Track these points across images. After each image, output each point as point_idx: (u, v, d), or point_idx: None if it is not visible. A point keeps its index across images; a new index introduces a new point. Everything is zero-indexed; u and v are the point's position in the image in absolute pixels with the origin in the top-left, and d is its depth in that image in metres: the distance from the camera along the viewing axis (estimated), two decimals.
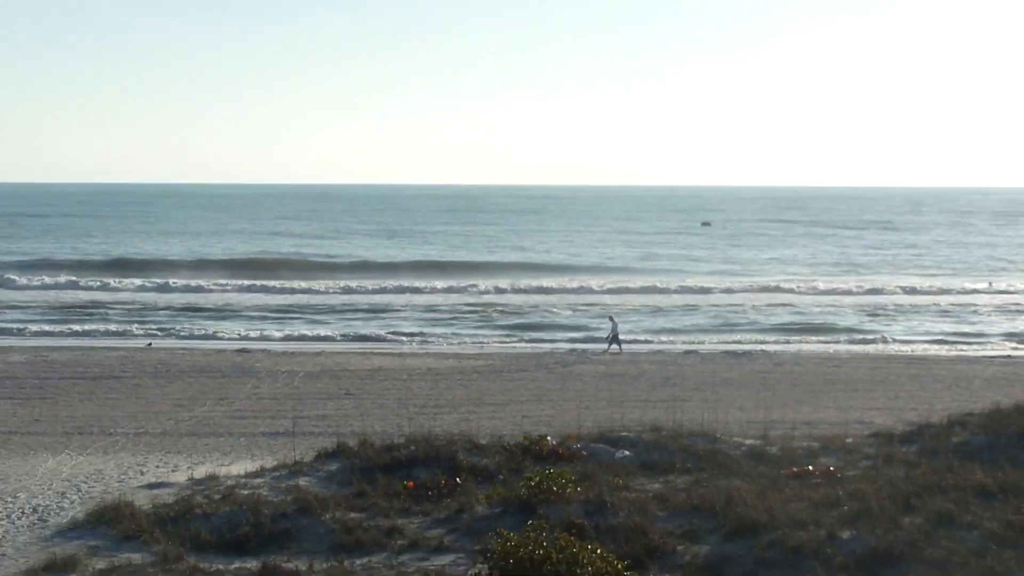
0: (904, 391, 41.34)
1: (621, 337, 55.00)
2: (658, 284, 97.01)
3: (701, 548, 20.01)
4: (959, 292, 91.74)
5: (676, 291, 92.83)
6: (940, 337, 65.21)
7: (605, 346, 56.42)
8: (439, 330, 66.30)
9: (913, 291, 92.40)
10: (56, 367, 47.58)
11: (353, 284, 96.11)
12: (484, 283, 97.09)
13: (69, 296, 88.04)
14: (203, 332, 67.77)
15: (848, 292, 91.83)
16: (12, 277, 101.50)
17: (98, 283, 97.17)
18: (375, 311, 77.90)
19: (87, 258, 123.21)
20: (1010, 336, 65.55)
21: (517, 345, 60.09)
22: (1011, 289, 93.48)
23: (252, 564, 20.28)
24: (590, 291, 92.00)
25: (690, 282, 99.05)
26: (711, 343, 62.81)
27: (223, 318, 73.72)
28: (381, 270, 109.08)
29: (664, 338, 64.86)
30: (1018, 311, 78.42)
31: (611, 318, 60.06)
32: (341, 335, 65.03)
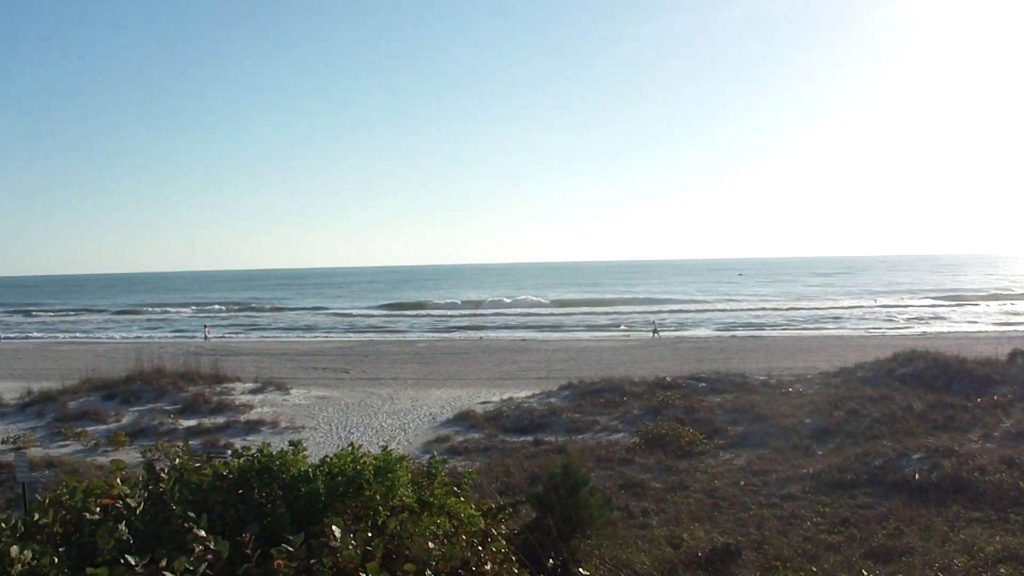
0: (833, 353, 44.42)
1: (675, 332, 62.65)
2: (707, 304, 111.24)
3: (739, 428, 24.54)
4: (860, 307, 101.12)
5: (716, 309, 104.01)
6: (849, 327, 75.58)
7: (656, 335, 66.08)
8: (609, 333, 74.92)
9: (847, 306, 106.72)
10: (438, 349, 57.36)
11: (559, 311, 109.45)
12: (625, 308, 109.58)
13: (430, 320, 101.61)
14: (505, 327, 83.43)
15: (814, 308, 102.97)
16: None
17: (415, 314, 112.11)
18: (573, 324, 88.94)
19: (394, 302, 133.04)
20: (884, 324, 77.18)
21: (651, 335, 67.36)
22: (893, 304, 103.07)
23: (529, 438, 25.29)
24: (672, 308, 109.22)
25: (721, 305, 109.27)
26: (733, 333, 71.80)
27: (508, 327, 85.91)
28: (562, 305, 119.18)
29: (703, 332, 76.25)
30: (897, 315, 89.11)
31: (653, 321, 70.86)
32: (569, 332, 77.23)
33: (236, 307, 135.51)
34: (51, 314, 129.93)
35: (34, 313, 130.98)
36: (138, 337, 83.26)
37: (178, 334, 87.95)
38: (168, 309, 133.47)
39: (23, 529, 4.75)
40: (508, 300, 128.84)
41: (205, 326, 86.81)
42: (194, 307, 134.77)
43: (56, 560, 4.16)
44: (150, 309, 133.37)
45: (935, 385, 28.09)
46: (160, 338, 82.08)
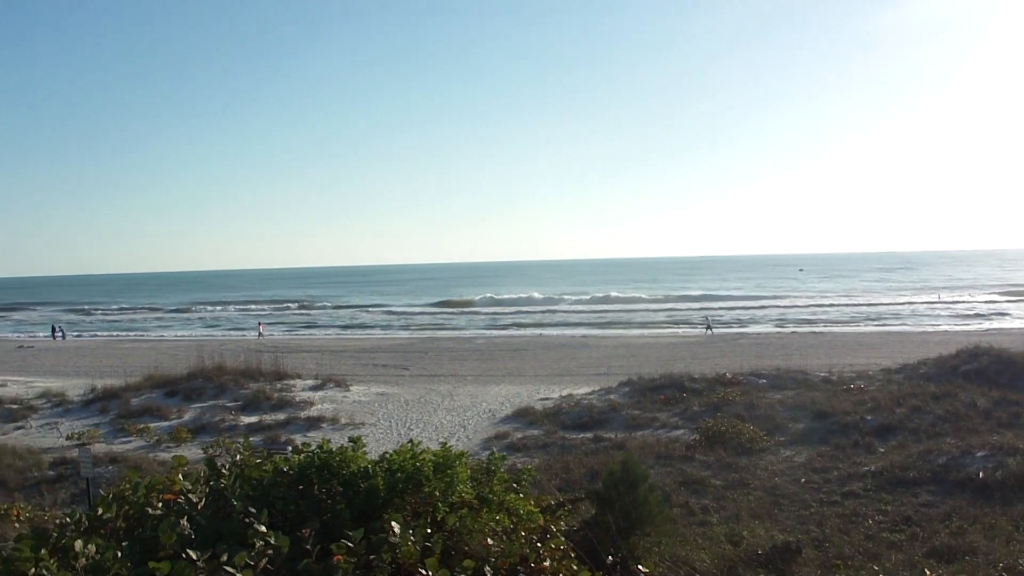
0: (895, 350, 43.90)
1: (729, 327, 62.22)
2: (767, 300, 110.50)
3: (799, 425, 24.28)
4: (921, 303, 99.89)
5: (776, 305, 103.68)
6: (910, 323, 74.27)
7: (710, 331, 65.73)
8: (669, 330, 74.79)
9: (908, 302, 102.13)
10: (497, 345, 57.82)
11: (617, 307, 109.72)
12: (684, 304, 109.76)
13: (488, 316, 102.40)
14: (564, 324, 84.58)
15: (875, 304, 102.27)
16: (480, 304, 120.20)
17: (472, 311, 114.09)
18: (631, 320, 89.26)
19: (450, 299, 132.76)
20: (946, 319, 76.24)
21: (705, 331, 67.12)
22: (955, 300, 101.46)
23: (589, 434, 25.32)
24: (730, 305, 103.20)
25: (781, 301, 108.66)
26: (793, 329, 71.23)
27: (567, 324, 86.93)
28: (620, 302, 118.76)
29: (762, 328, 77.02)
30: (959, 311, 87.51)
31: (707, 318, 70.88)
32: (628, 328, 77.77)
33: (290, 304, 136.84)
34: (109, 312, 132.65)
35: (91, 312, 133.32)
36: (193, 335, 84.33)
37: (233, 332, 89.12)
38: (225, 307, 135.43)
39: (87, 524, 4.81)
40: (566, 297, 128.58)
41: (259, 323, 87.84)
42: (247, 305, 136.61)
43: (119, 554, 4.19)
44: (206, 308, 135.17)
45: (999, 382, 27.72)
46: (215, 336, 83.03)
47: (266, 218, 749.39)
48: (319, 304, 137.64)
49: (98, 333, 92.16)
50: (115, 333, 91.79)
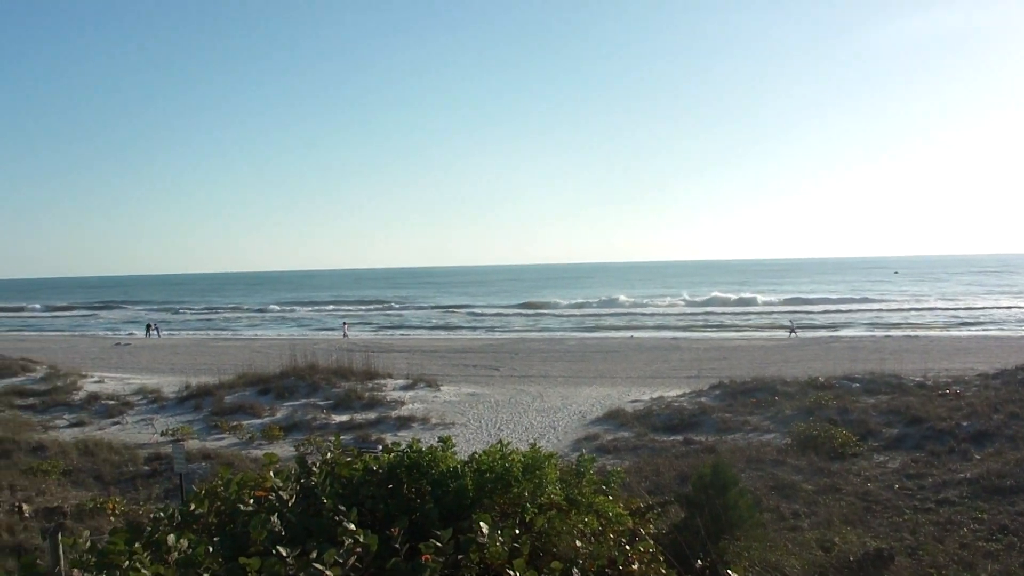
0: (992, 355, 43.08)
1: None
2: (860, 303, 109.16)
3: (893, 431, 23.68)
4: (1019, 307, 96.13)
5: (870, 309, 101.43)
6: (1008, 328, 72.50)
7: (793, 333, 65.34)
8: (760, 333, 73.65)
9: (1006, 306, 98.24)
10: (588, 347, 57.63)
11: (708, 309, 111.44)
12: (776, 308, 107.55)
13: (578, 318, 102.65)
14: (655, 327, 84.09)
15: (971, 308, 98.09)
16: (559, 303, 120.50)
17: (562, 312, 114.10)
18: (722, 323, 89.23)
19: (539, 300, 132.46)
20: None
21: (789, 334, 67.04)
22: None
23: (679, 437, 25.08)
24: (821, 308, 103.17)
25: (874, 305, 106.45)
26: (887, 333, 69.64)
27: (658, 326, 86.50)
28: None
29: (856, 331, 75.67)
30: None
31: (791, 320, 69.78)
32: (719, 331, 78.20)
33: (375, 305, 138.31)
34: (198, 311, 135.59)
35: (181, 311, 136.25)
36: (280, 335, 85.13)
37: (321, 331, 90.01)
38: (313, 307, 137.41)
39: (180, 519, 4.88)
40: (654, 299, 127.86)
41: (344, 323, 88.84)
42: (325, 306, 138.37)
43: (211, 549, 4.23)
44: (292, 307, 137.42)
45: None
46: (304, 335, 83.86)
47: (348, 218, 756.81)
48: (403, 304, 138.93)
49: (188, 332, 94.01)
50: (206, 332, 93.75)
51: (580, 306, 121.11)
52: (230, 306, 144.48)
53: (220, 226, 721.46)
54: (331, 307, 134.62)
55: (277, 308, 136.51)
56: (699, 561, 7.62)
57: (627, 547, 5.58)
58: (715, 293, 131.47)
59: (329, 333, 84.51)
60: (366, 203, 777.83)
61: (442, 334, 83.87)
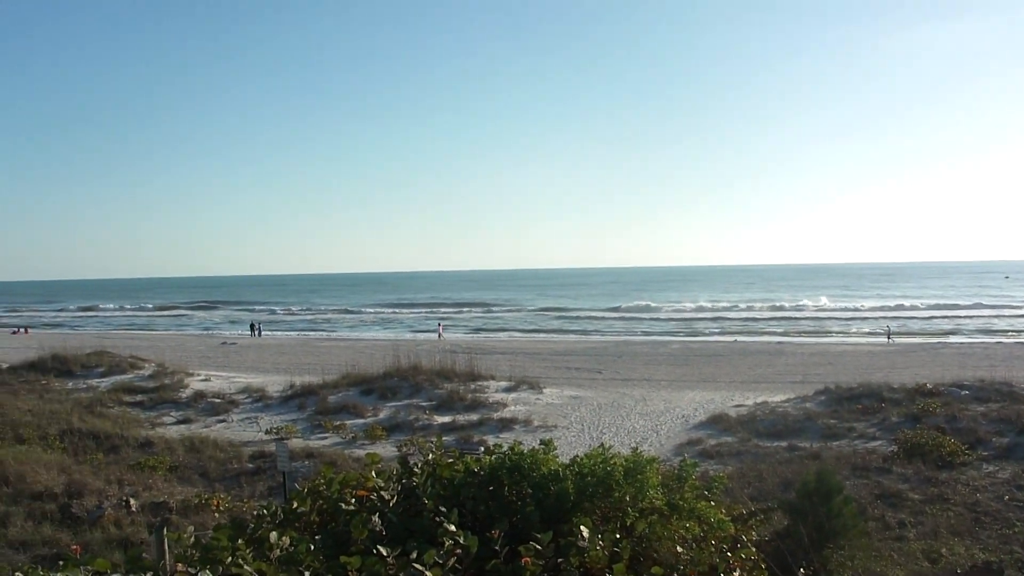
0: None
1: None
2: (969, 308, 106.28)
3: (1004, 440, 23.14)
4: None
5: (980, 315, 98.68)
6: None
7: (890, 340, 63.98)
8: (866, 339, 71.61)
9: None
10: (691, 350, 57.56)
11: (813, 314, 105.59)
12: (879, 313, 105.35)
13: (680, 322, 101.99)
14: (758, 332, 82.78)
15: None
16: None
17: (663, 316, 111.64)
18: (827, 328, 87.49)
19: (641, 303, 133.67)
20: None
21: (886, 339, 65.73)
22: None
23: (783, 443, 24.78)
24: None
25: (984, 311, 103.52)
26: (998, 339, 67.44)
27: (761, 331, 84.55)
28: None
29: (965, 338, 71.46)
30: None
31: (887, 326, 67.97)
32: (825, 336, 76.34)
33: (469, 307, 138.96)
34: (296, 312, 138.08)
35: (280, 311, 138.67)
36: (377, 337, 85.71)
37: (419, 333, 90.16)
38: (411, 308, 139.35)
39: (282, 516, 4.91)
40: (759, 303, 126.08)
41: (439, 324, 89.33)
42: (412, 308, 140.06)
43: (312, 547, 4.25)
44: (387, 309, 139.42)
45: None
46: (396, 337, 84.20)
47: (440, 221, 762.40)
48: (501, 307, 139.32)
49: (291, 332, 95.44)
50: (305, 332, 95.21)
51: (684, 309, 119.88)
52: (328, 307, 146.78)
53: (322, 228, 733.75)
54: (426, 309, 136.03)
55: (374, 309, 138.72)
56: (802, 569, 7.47)
57: (728, 554, 5.48)
58: (823, 298, 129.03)
59: (424, 335, 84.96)
60: (462, 207, 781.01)
61: (540, 336, 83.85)
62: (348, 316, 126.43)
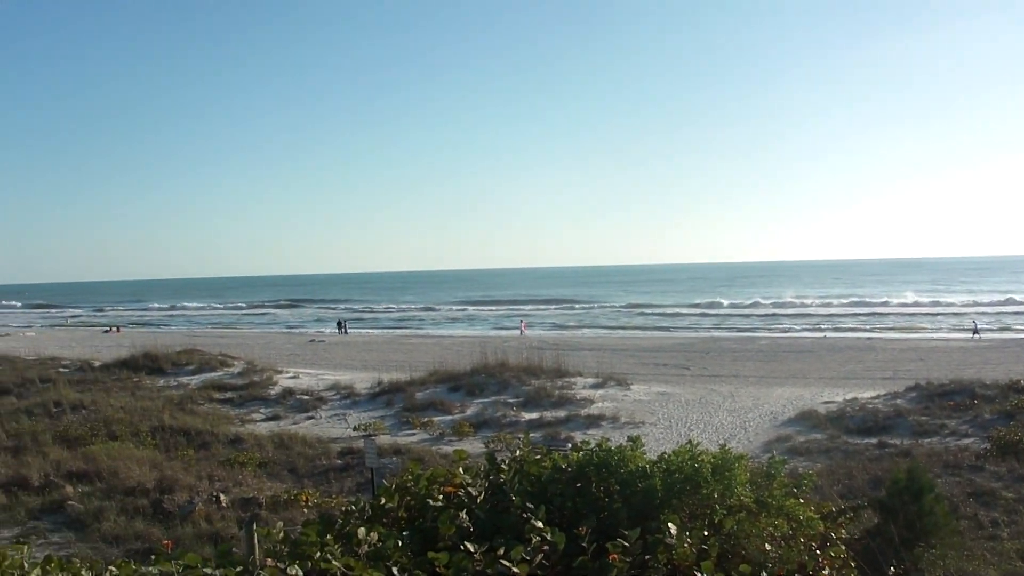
0: None
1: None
2: None
3: None
4: None
5: None
6: None
7: (977, 335, 61.99)
8: (951, 335, 69.30)
9: None
10: (780, 346, 57.07)
11: (902, 310, 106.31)
12: (972, 308, 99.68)
13: (767, 317, 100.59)
14: (848, 328, 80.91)
15: None
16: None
17: (751, 312, 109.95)
18: (922, 323, 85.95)
19: (730, 301, 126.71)
20: None
21: (973, 335, 63.90)
22: None
23: (873, 440, 24.13)
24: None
25: None
26: None
27: (851, 327, 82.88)
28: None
29: None
30: None
31: (974, 321, 66.08)
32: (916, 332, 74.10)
33: (551, 305, 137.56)
34: (380, 310, 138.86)
35: (365, 309, 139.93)
36: (466, 333, 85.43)
37: (502, 331, 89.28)
38: (493, 306, 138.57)
39: (370, 512, 4.99)
40: (839, 299, 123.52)
41: (521, 321, 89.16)
42: (491, 305, 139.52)
43: (400, 543, 4.29)
44: (470, 306, 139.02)
45: None
46: (479, 334, 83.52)
47: (525, 218, 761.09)
48: (585, 303, 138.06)
49: (374, 329, 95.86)
50: (391, 329, 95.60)
51: (771, 305, 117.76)
52: (416, 305, 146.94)
53: (403, 226, 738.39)
54: (507, 306, 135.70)
55: (456, 306, 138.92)
56: (892, 568, 7.35)
57: (818, 552, 5.44)
58: (908, 294, 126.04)
59: (507, 332, 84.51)
60: (537, 204, 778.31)
61: (624, 332, 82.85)
62: (431, 313, 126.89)
